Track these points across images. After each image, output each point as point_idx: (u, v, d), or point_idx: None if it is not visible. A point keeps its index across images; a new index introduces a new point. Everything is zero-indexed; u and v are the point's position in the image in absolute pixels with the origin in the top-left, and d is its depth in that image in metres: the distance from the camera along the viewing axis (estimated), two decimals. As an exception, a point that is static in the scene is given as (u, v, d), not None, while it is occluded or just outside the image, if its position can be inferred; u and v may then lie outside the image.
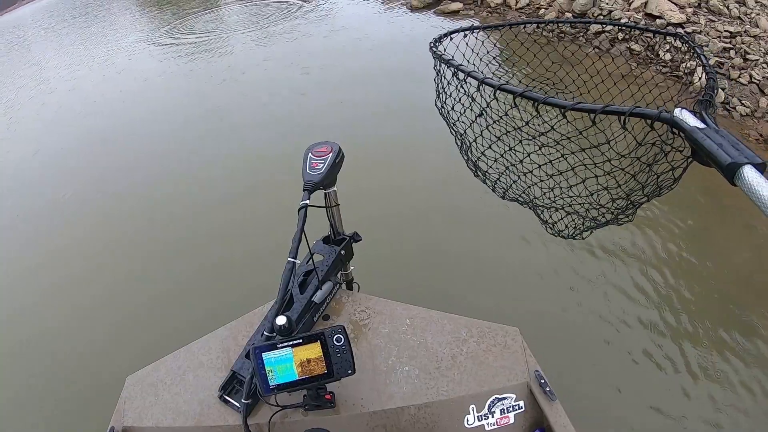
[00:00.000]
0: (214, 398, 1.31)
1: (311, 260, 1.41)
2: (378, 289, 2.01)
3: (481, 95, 1.02)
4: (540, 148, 1.05)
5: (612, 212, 1.10)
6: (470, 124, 1.14)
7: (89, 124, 7.74)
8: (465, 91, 1.07)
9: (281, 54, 8.40)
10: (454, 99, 1.15)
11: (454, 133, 1.29)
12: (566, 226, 1.24)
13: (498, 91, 0.92)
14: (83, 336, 3.89)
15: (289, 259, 1.17)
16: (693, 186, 4.05)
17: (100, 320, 3.99)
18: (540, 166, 1.10)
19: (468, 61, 1.35)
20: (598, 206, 1.11)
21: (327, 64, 7.55)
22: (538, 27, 6.86)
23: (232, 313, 1.56)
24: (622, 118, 0.78)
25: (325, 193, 1.39)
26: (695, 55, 1.14)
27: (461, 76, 1.04)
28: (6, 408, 3.58)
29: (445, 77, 1.15)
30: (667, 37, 1.27)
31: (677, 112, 0.81)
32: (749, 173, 0.63)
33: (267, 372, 1.13)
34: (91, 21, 22.10)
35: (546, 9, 7.33)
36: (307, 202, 1.22)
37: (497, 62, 1.45)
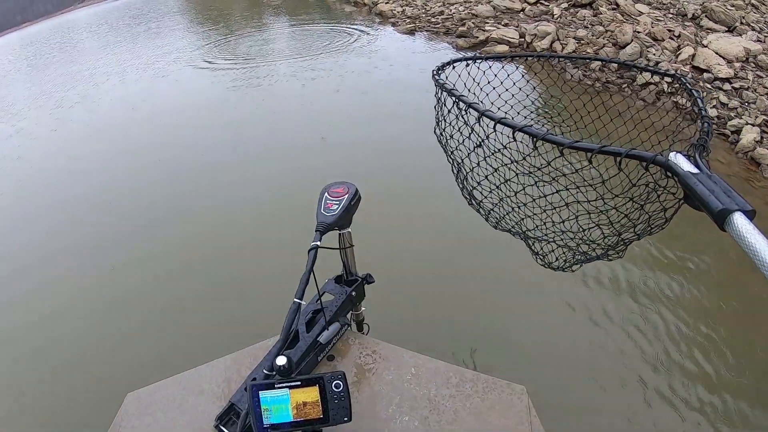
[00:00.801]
0: (210, 427, 1.30)
1: (320, 300, 1.38)
2: (388, 329, 2.06)
3: (480, 126, 1.03)
4: (535, 183, 1.05)
5: (603, 248, 1.11)
6: (468, 154, 1.15)
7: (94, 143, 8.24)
8: (465, 121, 1.08)
9: (314, 93, 8.34)
10: (453, 128, 1.16)
11: (451, 161, 1.30)
12: (557, 259, 1.25)
13: (497, 124, 0.94)
14: (92, 344, 4.06)
15: (295, 299, 1.15)
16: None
17: (111, 329, 4.15)
18: (534, 199, 1.11)
19: (469, 90, 1.38)
20: (589, 242, 1.12)
21: (361, 103, 7.63)
22: (577, 67, 6.90)
23: (240, 339, 1.55)
24: (618, 159, 0.81)
25: (340, 234, 1.37)
26: (691, 97, 1.15)
27: (462, 106, 1.06)
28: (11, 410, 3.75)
29: (445, 105, 1.17)
30: (665, 78, 1.32)
31: (672, 156, 0.83)
32: (739, 220, 0.65)
33: (262, 410, 1.12)
34: (138, 33, 22.92)
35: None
36: (318, 243, 1.20)
37: (498, 92, 1.46)
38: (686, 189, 0.74)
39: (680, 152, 0.84)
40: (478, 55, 1.42)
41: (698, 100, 1.11)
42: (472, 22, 10.01)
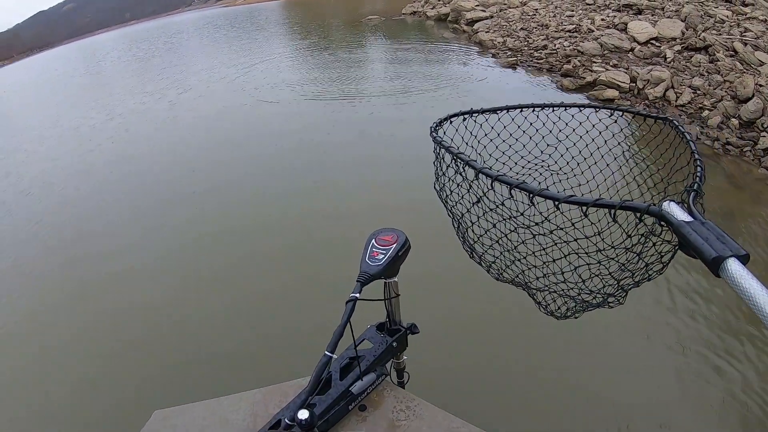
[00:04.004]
0: None
1: (355, 350, 1.33)
2: (429, 382, 2.05)
3: (478, 182, 1.03)
4: (534, 236, 1.07)
5: (603, 296, 1.11)
6: (468, 209, 1.14)
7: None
8: (463, 177, 1.09)
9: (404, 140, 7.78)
10: (452, 183, 1.16)
11: (451, 216, 1.29)
12: (559, 308, 1.25)
13: (495, 181, 0.95)
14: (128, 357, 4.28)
15: (326, 352, 1.10)
16: None
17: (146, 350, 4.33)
18: (534, 252, 1.12)
19: (467, 144, 1.40)
20: (589, 291, 1.12)
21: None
22: (693, 121, 6.59)
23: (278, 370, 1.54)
24: (612, 211, 0.82)
25: (385, 283, 1.32)
26: (684, 140, 1.15)
27: (460, 163, 1.07)
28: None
29: (444, 161, 1.18)
30: (657, 121, 1.27)
31: (665, 205, 0.84)
32: (733, 266, 0.66)
33: None
34: (229, 40, 24.02)
35: (710, 110, 7.06)
36: (357, 296, 1.14)
37: (495, 144, 1.46)
38: (680, 238, 0.75)
39: (673, 200, 0.85)
40: (473, 109, 1.40)
41: (691, 143, 1.12)
42: (578, 60, 9.83)
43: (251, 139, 9.08)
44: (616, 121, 1.37)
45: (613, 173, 1.38)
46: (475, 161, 1.02)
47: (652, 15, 11.51)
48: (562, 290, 1.19)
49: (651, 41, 10.12)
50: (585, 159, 1.43)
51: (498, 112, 1.43)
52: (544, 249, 1.08)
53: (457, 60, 12.46)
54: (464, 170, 1.07)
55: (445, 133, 1.30)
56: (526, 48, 11.83)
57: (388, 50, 15.62)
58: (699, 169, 1.00)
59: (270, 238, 5.67)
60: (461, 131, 1.40)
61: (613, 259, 0.99)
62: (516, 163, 1.48)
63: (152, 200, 7.41)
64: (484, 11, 16.70)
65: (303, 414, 1.10)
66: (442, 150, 1.16)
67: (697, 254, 0.71)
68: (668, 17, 10.96)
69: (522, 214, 1.00)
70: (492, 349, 3.72)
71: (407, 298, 1.40)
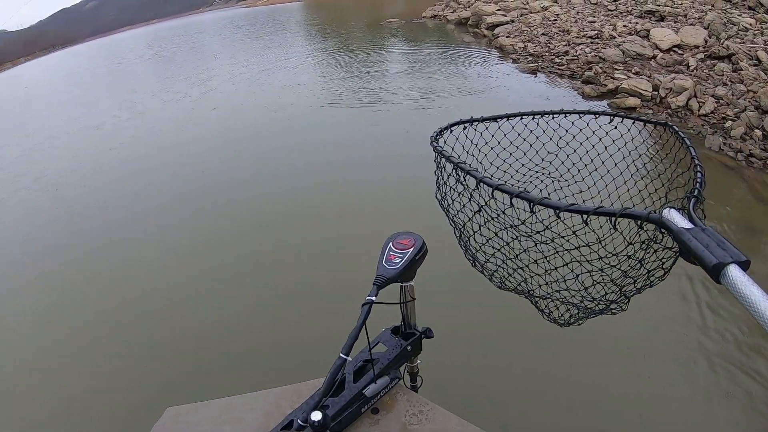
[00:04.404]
0: None
1: (370, 352, 1.32)
2: (443, 386, 2.10)
3: (479, 192, 1.03)
4: (536, 245, 1.07)
5: (605, 303, 1.12)
6: (469, 219, 1.14)
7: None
8: (464, 186, 1.08)
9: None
10: (454, 192, 1.15)
11: (453, 225, 1.29)
12: (561, 315, 1.26)
13: (496, 190, 0.95)
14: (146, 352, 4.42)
15: (341, 355, 1.10)
16: None
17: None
18: (536, 261, 1.12)
19: (468, 153, 1.40)
20: (591, 299, 1.12)
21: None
22: (715, 131, 6.57)
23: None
24: (613, 219, 0.82)
25: (401, 286, 1.32)
26: (684, 146, 1.15)
27: (461, 172, 1.07)
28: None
29: (445, 170, 1.17)
30: (657, 126, 1.27)
31: (666, 212, 0.84)
32: (734, 272, 0.66)
33: None
34: (250, 40, 24.27)
35: (733, 120, 7.05)
36: (373, 299, 1.14)
37: (496, 152, 1.46)
38: (680, 245, 0.76)
39: (673, 207, 0.86)
40: (474, 117, 1.42)
41: (691, 149, 1.11)
42: (600, 67, 9.84)
43: (275, 138, 9.28)
44: (616, 128, 1.36)
45: (614, 179, 1.37)
46: (476, 170, 1.03)
47: (675, 22, 11.46)
48: (565, 298, 1.20)
49: (673, 49, 10.09)
50: (586, 165, 1.43)
51: (498, 120, 1.44)
52: (545, 257, 1.08)
53: (478, 65, 12.52)
54: (465, 180, 1.06)
55: (445, 142, 1.31)
56: (547, 54, 11.85)
57: (408, 54, 15.74)
58: (699, 174, 1.01)
59: (295, 233, 5.84)
60: (462, 140, 1.40)
61: (614, 266, 1.00)
62: (517, 171, 1.49)
63: (170, 197, 7.67)
64: (504, 16, 16.72)
65: (316, 415, 1.12)
66: (443, 159, 1.16)
67: (698, 261, 0.71)
68: (691, 24, 10.91)
69: (523, 223, 1.01)
70: (507, 355, 3.74)
71: (422, 301, 1.39)
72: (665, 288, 3.86)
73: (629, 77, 9.01)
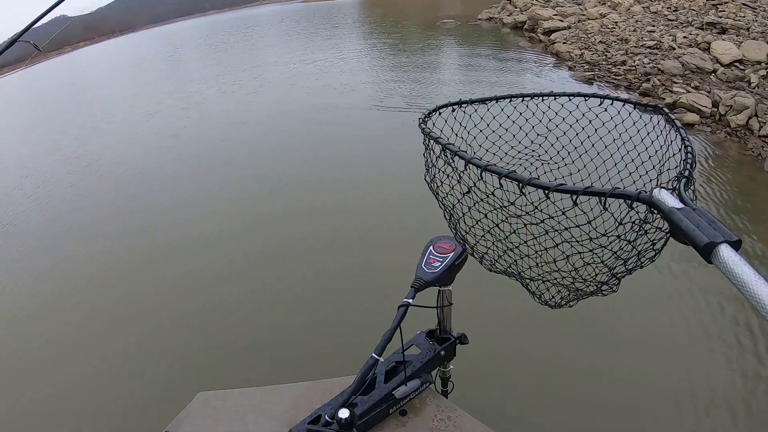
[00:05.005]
0: None
1: (403, 354, 1.33)
2: (474, 393, 2.10)
3: (468, 173, 1.03)
4: (525, 225, 1.06)
5: (596, 284, 1.12)
6: (458, 200, 1.14)
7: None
8: (453, 168, 1.08)
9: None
10: (443, 174, 1.15)
11: (443, 207, 1.29)
12: (553, 297, 1.27)
13: (484, 171, 0.95)
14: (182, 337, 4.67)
15: (373, 355, 1.10)
16: None
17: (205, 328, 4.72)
18: (525, 242, 1.12)
19: (457, 135, 1.40)
20: (582, 280, 1.13)
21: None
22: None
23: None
24: (603, 199, 0.82)
25: (439, 290, 1.31)
26: (674, 128, 1.15)
27: (449, 154, 1.07)
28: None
29: (434, 152, 1.17)
30: (648, 109, 1.27)
31: (656, 192, 0.84)
32: (725, 252, 0.66)
33: None
34: (308, 36, 24.77)
35: (794, 139, 7.02)
36: (410, 301, 1.14)
37: (485, 134, 1.46)
38: (671, 225, 0.76)
39: (664, 187, 0.86)
40: (462, 99, 1.43)
41: (680, 130, 1.12)
42: (658, 79, 9.82)
43: (332, 135, 9.64)
44: (606, 110, 1.35)
45: (604, 161, 1.36)
46: (465, 152, 1.03)
47: (737, 35, 11.32)
48: (555, 279, 1.20)
49: (735, 63, 9.97)
50: (576, 148, 1.42)
51: (487, 102, 1.44)
52: (536, 238, 1.08)
53: (532, 71, 12.61)
54: (454, 161, 1.07)
55: (434, 124, 1.30)
56: (604, 62, 11.84)
57: (461, 57, 15.88)
58: (689, 156, 1.01)
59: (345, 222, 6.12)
60: (451, 122, 1.40)
61: (604, 247, 1.00)
62: (506, 153, 1.48)
63: (220, 180, 8.25)
64: (561, 21, 16.68)
65: (344, 413, 1.13)
66: (432, 141, 1.16)
67: (689, 241, 0.71)
68: (753, 39, 10.77)
69: (513, 204, 1.00)
70: (545, 366, 3.74)
71: (458, 305, 1.39)
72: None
73: (688, 91, 8.95)
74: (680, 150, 1.07)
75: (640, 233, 0.93)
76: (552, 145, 1.45)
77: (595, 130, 1.38)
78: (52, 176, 10.21)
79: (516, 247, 1.16)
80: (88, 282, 5.91)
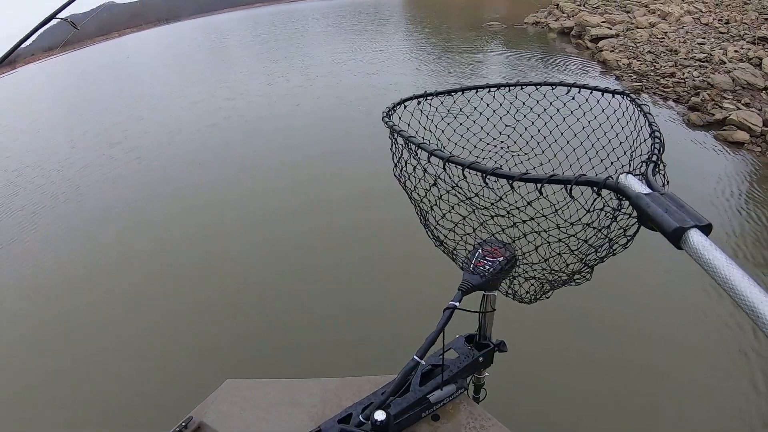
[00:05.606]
0: None
1: (442, 357, 1.28)
2: (506, 402, 2.10)
3: (431, 165, 1.01)
4: (492, 217, 1.03)
5: (568, 274, 1.10)
6: (425, 193, 1.11)
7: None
8: (417, 160, 1.06)
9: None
10: (409, 167, 1.13)
11: (413, 202, 1.26)
12: (526, 292, 1.24)
13: (448, 163, 0.93)
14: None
15: (415, 356, 1.06)
16: None
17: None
18: (492, 234, 1.09)
19: (425, 128, 1.38)
20: (552, 271, 1.10)
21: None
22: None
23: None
24: (568, 186, 0.80)
25: (484, 295, 1.27)
26: (641, 112, 1.13)
27: (413, 147, 1.05)
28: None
29: (399, 145, 1.15)
30: (615, 95, 1.25)
31: (622, 177, 0.81)
32: (694, 237, 0.63)
33: None
34: (355, 33, 25.11)
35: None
36: (457, 304, 1.10)
37: (452, 127, 1.45)
38: (638, 211, 0.73)
39: (630, 173, 0.83)
40: (427, 92, 1.41)
41: (648, 115, 1.09)
42: (707, 94, 9.80)
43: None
44: (573, 98, 1.31)
45: (574, 149, 1.34)
46: (428, 144, 1.02)
47: (791, 52, 11.19)
48: (526, 272, 1.18)
49: (788, 80, 9.90)
50: (545, 137, 1.38)
51: (453, 94, 1.41)
52: (503, 230, 1.05)
53: (579, 79, 12.55)
54: (417, 153, 1.05)
55: (400, 118, 1.28)
56: (652, 73, 11.84)
57: (506, 61, 15.95)
58: (657, 140, 0.98)
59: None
60: (417, 116, 1.37)
61: (572, 236, 0.97)
62: (475, 146, 1.44)
63: (264, 172, 8.70)
64: (610, 29, 16.62)
65: (380, 415, 1.10)
66: (396, 135, 1.13)
67: (657, 227, 0.69)
68: (809, 56, 10.65)
69: (477, 195, 0.98)
70: (580, 381, 3.78)
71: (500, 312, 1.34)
72: None
73: (738, 108, 8.93)
74: (649, 135, 1.03)
75: (607, 220, 0.91)
76: (521, 135, 1.41)
77: (563, 118, 1.36)
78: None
79: (483, 241, 1.15)
80: (136, 258, 6.39)
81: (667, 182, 0.90)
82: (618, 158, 1.20)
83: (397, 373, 1.10)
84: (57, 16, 1.98)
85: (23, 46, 1.99)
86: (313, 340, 4.45)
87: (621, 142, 1.19)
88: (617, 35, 16.12)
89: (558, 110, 1.36)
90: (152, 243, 6.75)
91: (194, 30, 54.21)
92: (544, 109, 1.39)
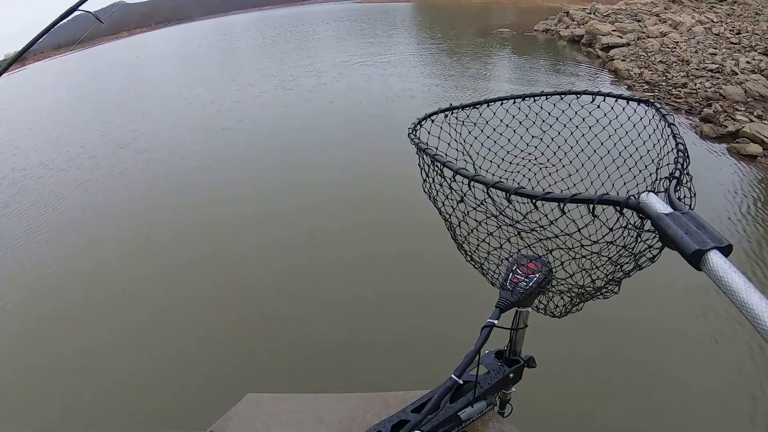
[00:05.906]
0: None
1: (476, 374, 1.28)
2: (531, 418, 2.16)
3: (457, 183, 1.01)
4: (518, 234, 1.04)
5: (596, 289, 1.10)
6: (453, 209, 1.12)
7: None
8: (443, 178, 1.06)
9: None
10: (437, 183, 1.12)
11: (443, 217, 1.25)
12: (556, 306, 1.24)
13: (472, 182, 0.94)
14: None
15: (453, 375, 1.04)
16: None
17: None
18: (519, 251, 1.10)
19: (455, 141, 1.38)
20: (578, 287, 1.10)
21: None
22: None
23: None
24: (591, 206, 0.80)
25: (517, 311, 1.26)
26: (666, 123, 1.12)
27: (438, 165, 1.05)
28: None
29: (426, 163, 1.14)
30: (640, 104, 1.24)
31: (643, 196, 0.80)
32: (714, 259, 0.62)
33: None
34: (364, 38, 25.13)
35: None
36: (495, 322, 1.08)
37: (480, 141, 1.43)
38: (659, 231, 0.72)
39: (652, 191, 0.81)
40: (453, 105, 1.40)
41: (672, 126, 1.08)
42: (720, 105, 9.78)
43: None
44: (599, 106, 1.30)
45: (602, 158, 1.32)
46: (453, 162, 1.01)
47: (804, 64, 11.16)
48: (553, 287, 1.18)
49: (801, 93, 9.87)
50: (572, 147, 1.37)
51: (479, 106, 1.41)
52: (529, 246, 1.05)
53: (591, 87, 12.59)
54: (443, 171, 1.04)
55: (429, 132, 1.29)
56: (664, 83, 11.84)
57: (516, 70, 15.94)
58: (681, 154, 0.97)
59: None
60: (446, 128, 1.37)
61: (596, 253, 0.97)
62: (503, 159, 1.42)
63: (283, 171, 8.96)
64: (621, 37, 16.62)
65: None
66: (422, 153, 1.13)
67: (676, 248, 0.67)
68: (822, 69, 10.61)
69: (502, 213, 0.99)
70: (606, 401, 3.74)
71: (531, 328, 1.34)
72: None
73: (751, 120, 8.89)
74: (673, 148, 1.02)
75: (631, 239, 0.90)
76: (548, 146, 1.39)
77: (590, 128, 1.35)
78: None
79: (510, 256, 1.15)
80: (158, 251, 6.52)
81: (694, 194, 0.92)
82: (646, 166, 1.17)
83: (422, 388, 1.11)
84: (80, 8, 1.98)
85: (41, 40, 2.00)
86: (331, 345, 4.45)
87: (648, 150, 1.17)
88: (628, 44, 16.11)
89: (583, 119, 1.35)
90: (177, 247, 6.78)
91: (206, 30, 54.72)
92: (570, 119, 1.38)
